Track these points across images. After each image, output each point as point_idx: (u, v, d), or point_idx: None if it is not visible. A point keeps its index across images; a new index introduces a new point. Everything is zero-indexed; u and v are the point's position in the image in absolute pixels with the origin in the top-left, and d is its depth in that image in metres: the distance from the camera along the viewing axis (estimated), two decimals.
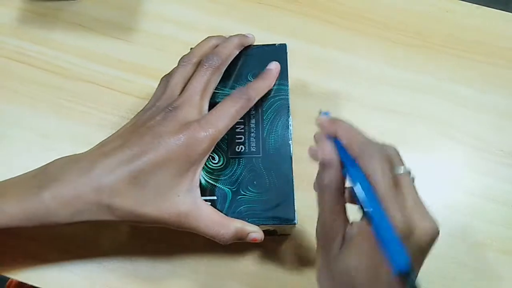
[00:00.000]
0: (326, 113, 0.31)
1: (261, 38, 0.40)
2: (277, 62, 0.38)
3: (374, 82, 0.46)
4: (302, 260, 0.39)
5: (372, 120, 0.44)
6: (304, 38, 0.48)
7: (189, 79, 0.35)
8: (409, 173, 0.27)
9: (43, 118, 0.44)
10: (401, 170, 0.27)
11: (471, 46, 0.48)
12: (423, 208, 0.26)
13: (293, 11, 0.50)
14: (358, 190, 0.26)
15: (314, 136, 0.31)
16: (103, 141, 0.34)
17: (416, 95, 0.46)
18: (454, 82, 0.46)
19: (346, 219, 0.29)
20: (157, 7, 0.50)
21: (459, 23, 0.49)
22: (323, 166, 0.29)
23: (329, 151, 0.29)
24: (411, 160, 0.29)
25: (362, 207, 0.26)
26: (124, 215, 0.31)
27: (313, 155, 0.30)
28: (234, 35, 0.38)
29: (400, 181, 0.27)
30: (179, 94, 0.34)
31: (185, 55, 0.37)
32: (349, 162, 0.28)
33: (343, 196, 0.29)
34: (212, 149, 0.33)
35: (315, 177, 0.30)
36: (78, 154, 0.33)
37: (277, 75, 0.37)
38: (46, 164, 0.33)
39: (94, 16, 0.49)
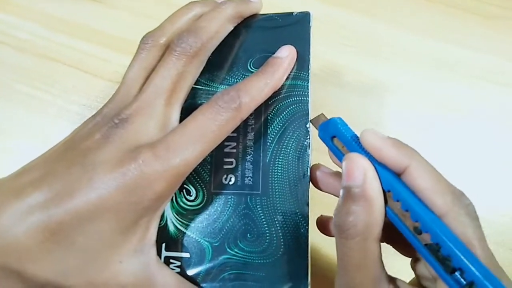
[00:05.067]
0: (339, 121, 0.21)
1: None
2: (290, 47, 0.24)
3: (435, 69, 0.32)
4: None
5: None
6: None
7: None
8: None
9: None
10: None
11: None
12: None
13: None
14: (460, 258, 0.17)
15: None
16: (25, 165, 0.22)
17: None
18: None
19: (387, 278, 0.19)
20: None
21: None
22: (357, 197, 0.19)
23: (370, 176, 0.19)
24: None
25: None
26: (41, 286, 0.20)
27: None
28: (227, 1, 0.25)
29: None
30: (136, 96, 0.22)
31: (149, 32, 0.24)
32: (430, 214, 0.18)
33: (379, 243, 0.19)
34: (177, 188, 0.21)
35: None
36: None
37: (291, 67, 0.24)
38: None
39: None
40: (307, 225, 0.22)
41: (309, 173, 0.23)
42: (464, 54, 0.35)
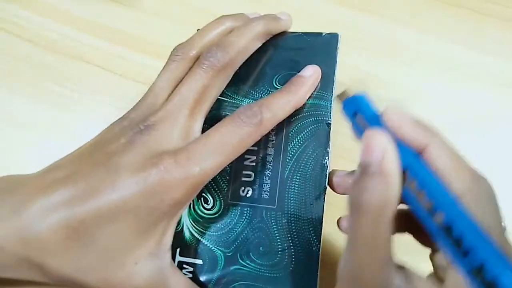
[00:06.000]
0: (362, 98, 0.21)
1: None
2: (315, 66, 0.24)
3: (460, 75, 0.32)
4: None
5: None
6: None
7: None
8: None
9: (19, 102, 0.35)
10: (504, 223, 0.18)
11: None
12: None
13: None
14: (474, 239, 0.16)
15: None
16: (53, 163, 0.23)
17: None
18: None
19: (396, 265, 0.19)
20: None
21: None
22: (374, 174, 0.18)
23: (389, 153, 0.18)
24: None
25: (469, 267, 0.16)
26: (60, 280, 0.21)
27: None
28: (258, 18, 0.25)
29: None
30: (162, 104, 0.23)
31: (180, 44, 0.25)
32: (447, 193, 0.17)
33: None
34: (194, 196, 0.22)
35: None
36: (25, 177, 0.23)
37: (314, 86, 0.24)
38: None
39: None
40: (320, 243, 0.22)
41: (325, 193, 0.23)
42: (488, 60, 0.35)
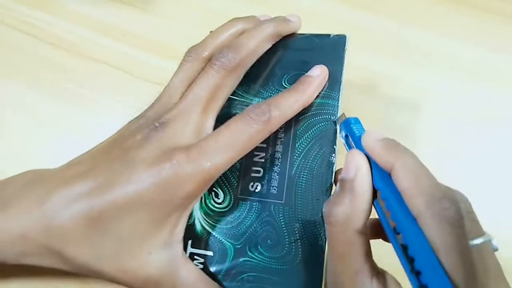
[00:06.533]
0: (353, 121, 0.23)
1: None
2: (323, 66, 0.25)
3: (473, 75, 0.33)
4: None
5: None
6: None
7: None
8: (490, 242, 0.18)
9: (41, 101, 0.37)
10: (479, 240, 0.17)
11: None
12: None
13: None
14: (422, 261, 0.17)
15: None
16: (74, 159, 0.25)
17: None
18: None
19: (374, 268, 0.20)
20: None
21: None
22: (346, 190, 0.21)
23: (362, 172, 0.21)
24: None
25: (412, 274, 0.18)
26: (78, 267, 0.23)
27: None
28: (268, 20, 0.26)
29: (477, 256, 0.17)
30: (176, 103, 0.24)
31: (193, 46, 0.26)
32: (404, 215, 0.19)
33: (367, 234, 0.21)
34: (205, 190, 0.23)
35: None
36: (49, 171, 0.25)
37: (322, 86, 0.25)
38: (10, 178, 0.26)
39: None
40: (325, 237, 0.23)
41: (332, 189, 0.24)
42: (504, 61, 0.35)
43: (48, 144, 0.35)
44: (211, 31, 0.27)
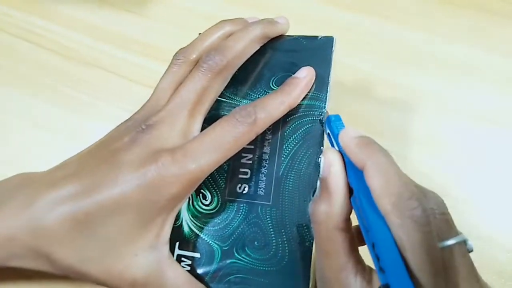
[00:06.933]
0: (334, 118, 0.23)
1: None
2: (310, 68, 0.25)
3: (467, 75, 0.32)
4: None
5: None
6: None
7: None
8: (464, 243, 0.18)
9: (39, 105, 0.37)
10: (450, 241, 0.17)
11: None
12: None
13: None
14: (385, 259, 0.18)
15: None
16: (62, 162, 0.25)
17: None
18: None
19: (359, 264, 0.20)
20: None
21: None
22: (323, 188, 0.21)
23: (334, 171, 0.21)
24: None
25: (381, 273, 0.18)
26: (64, 270, 0.23)
27: None
28: (256, 22, 0.26)
29: (447, 257, 0.17)
30: (163, 106, 0.24)
31: (181, 48, 0.26)
32: (372, 213, 0.19)
33: (350, 232, 0.21)
34: (191, 192, 0.23)
35: None
36: (37, 174, 0.25)
37: (308, 87, 0.25)
38: (1, 181, 0.26)
39: None
40: (312, 239, 0.23)
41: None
42: (495, 60, 0.35)
43: (45, 147, 0.35)
44: (200, 33, 0.27)
